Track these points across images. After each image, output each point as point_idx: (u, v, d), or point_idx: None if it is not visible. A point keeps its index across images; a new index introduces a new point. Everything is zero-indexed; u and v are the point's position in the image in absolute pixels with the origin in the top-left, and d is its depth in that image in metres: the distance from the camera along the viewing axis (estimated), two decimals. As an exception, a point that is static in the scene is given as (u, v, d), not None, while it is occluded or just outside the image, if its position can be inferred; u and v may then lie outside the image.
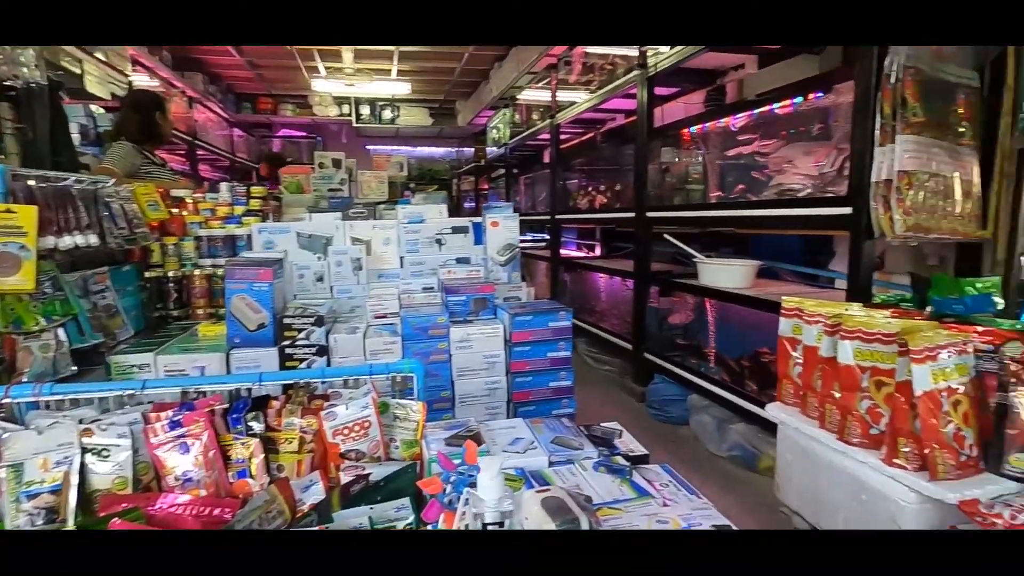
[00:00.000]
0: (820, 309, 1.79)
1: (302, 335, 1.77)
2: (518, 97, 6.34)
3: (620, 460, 1.22)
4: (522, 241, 6.87)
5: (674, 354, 3.39)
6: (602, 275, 4.34)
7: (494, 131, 7.35)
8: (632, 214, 3.65)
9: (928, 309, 1.86)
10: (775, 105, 2.34)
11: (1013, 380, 1.41)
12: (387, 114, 9.85)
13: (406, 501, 1.10)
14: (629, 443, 1.37)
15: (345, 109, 9.57)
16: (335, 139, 10.66)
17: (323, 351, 1.79)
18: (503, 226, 2.24)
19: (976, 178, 1.99)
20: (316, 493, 1.20)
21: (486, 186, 8.92)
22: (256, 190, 2.58)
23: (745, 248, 3.68)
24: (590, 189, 4.37)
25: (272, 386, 1.48)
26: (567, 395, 1.83)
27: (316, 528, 1.05)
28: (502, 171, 7.91)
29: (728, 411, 2.82)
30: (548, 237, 5.59)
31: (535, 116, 6.03)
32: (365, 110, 9.67)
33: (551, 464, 1.22)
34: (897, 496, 1.47)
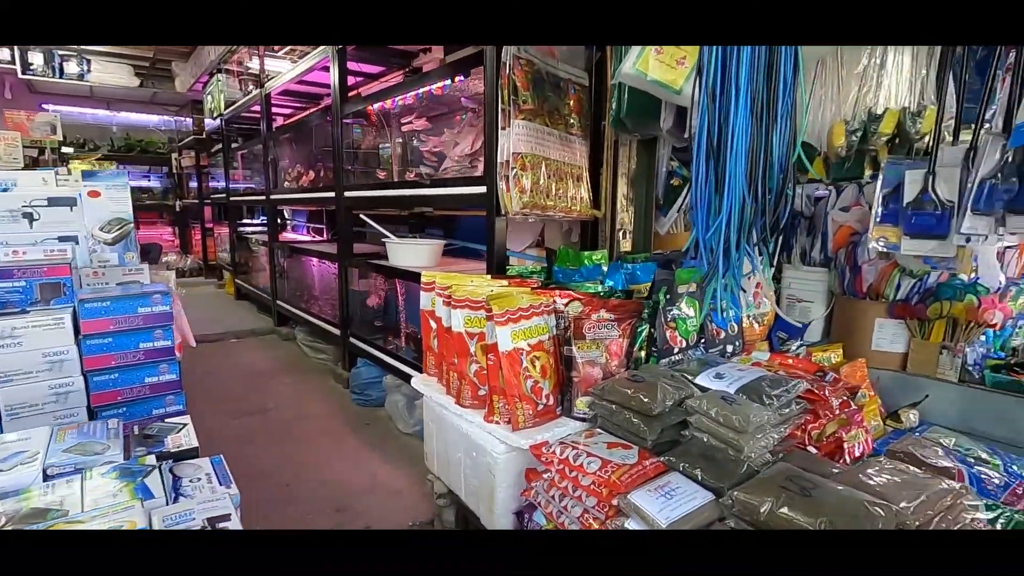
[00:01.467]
0: (447, 282, 1.88)
1: None
2: (228, 63, 5.65)
3: (150, 460, 1.06)
4: (248, 225, 6.12)
5: (374, 337, 3.35)
6: (316, 260, 4.11)
7: (209, 99, 6.46)
8: (332, 194, 3.49)
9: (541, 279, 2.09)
10: (433, 86, 2.41)
11: (575, 335, 1.64)
12: (72, 67, 7.95)
13: None
14: (183, 439, 1.21)
15: (4, 55, 7.45)
16: (-7, 93, 8.27)
17: None
18: (107, 196, 1.88)
19: (586, 163, 2.30)
20: None
21: (206, 162, 7.84)
22: None
23: (452, 229, 3.82)
24: (299, 168, 4.09)
25: None
26: (173, 391, 1.59)
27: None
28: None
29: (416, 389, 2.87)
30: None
31: (251, 86, 5.44)
32: (36, 58, 7.65)
33: (47, 477, 1.00)
34: (492, 449, 1.61)
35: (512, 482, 1.58)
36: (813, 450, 1.68)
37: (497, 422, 1.61)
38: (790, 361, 1.98)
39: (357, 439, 2.80)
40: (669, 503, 1.23)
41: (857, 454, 1.84)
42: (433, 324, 1.97)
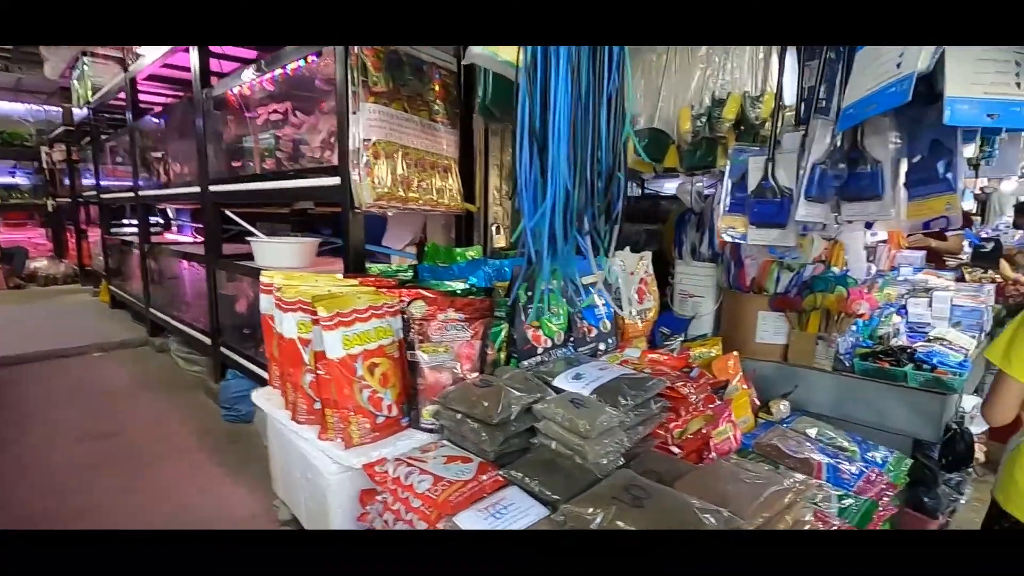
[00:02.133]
0: (285, 282, 1.67)
1: None
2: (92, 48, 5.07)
3: None
4: (127, 226, 5.51)
5: (244, 345, 3.05)
6: (186, 263, 3.72)
7: (76, 85, 5.80)
8: (198, 188, 3.16)
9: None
10: (288, 66, 2.19)
11: (419, 338, 1.48)
12: (-91, 47, 6.94)
13: None
14: None
15: None
16: None
17: None
18: None
19: (455, 154, 2.16)
20: None
21: (77, 157, 7.06)
22: None
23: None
24: (169, 161, 3.69)
25: None
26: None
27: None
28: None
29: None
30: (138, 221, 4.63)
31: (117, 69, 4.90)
32: None
33: None
34: (324, 469, 1.42)
35: (347, 506, 1.40)
36: (676, 450, 1.62)
37: (332, 439, 1.43)
38: (662, 358, 1.93)
39: (216, 460, 2.51)
40: (498, 523, 1.10)
41: (725, 450, 1.81)
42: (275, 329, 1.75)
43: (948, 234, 4.30)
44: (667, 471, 1.39)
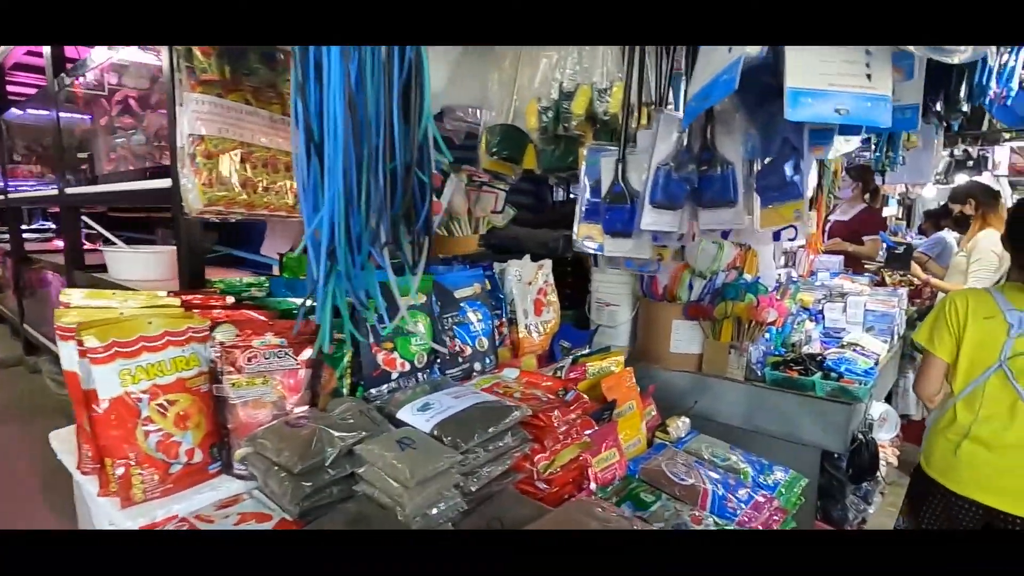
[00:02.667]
0: (86, 302, 1.40)
1: None
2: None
3: None
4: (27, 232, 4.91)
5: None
6: (52, 272, 3.34)
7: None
8: (55, 190, 2.81)
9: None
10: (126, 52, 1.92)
11: (228, 368, 1.25)
12: None
13: None
14: None
15: None
16: None
17: None
18: None
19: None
20: None
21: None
22: None
23: (235, 233, 3.27)
24: (34, 159, 3.31)
25: None
26: None
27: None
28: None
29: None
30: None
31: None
32: None
33: None
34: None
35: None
36: (544, 485, 1.45)
37: (111, 494, 1.18)
38: (539, 379, 1.76)
39: (53, 501, 2.19)
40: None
41: (609, 478, 1.65)
42: (80, 358, 1.48)
43: (865, 239, 4.33)
44: (515, 517, 1.21)
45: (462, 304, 1.71)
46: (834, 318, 3.49)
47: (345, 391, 1.44)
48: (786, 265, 3.82)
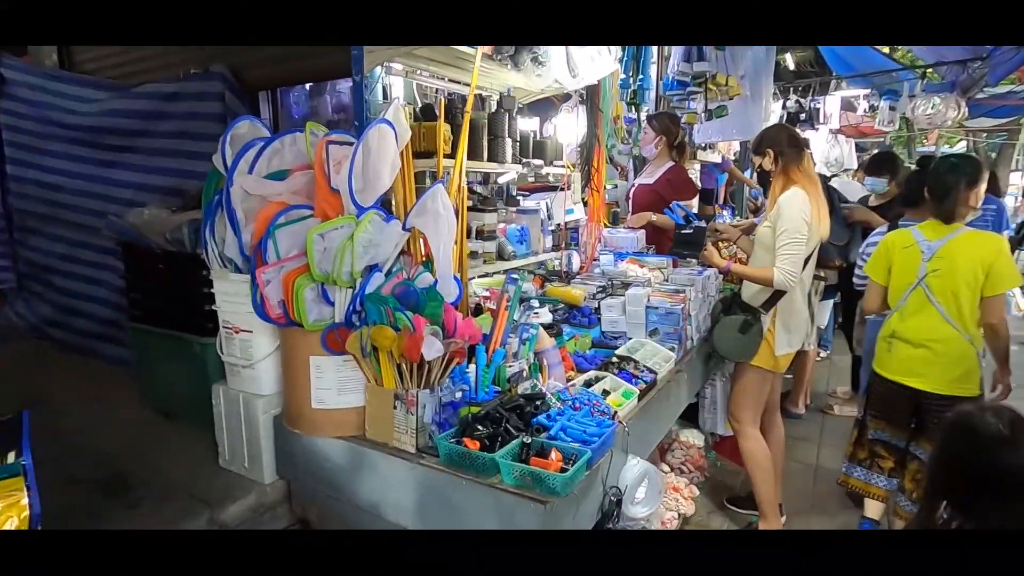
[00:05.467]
0: None
1: None
2: None
3: None
4: None
5: None
6: None
7: None
8: None
9: None
10: None
11: None
12: None
13: None
14: None
15: None
16: None
17: None
18: None
19: None
20: None
21: None
22: None
23: None
24: None
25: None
26: None
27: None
28: None
29: None
30: None
31: None
32: None
33: None
34: None
35: None
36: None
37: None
38: None
39: None
40: None
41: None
42: None
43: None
44: None
45: None
46: (612, 319, 2.58)
47: None
48: (559, 248, 2.87)
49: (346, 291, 1.68)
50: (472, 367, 1.79)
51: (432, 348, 1.48)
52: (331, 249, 1.55)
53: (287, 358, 1.81)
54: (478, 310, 2.11)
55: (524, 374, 1.83)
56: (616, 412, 1.80)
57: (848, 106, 6.02)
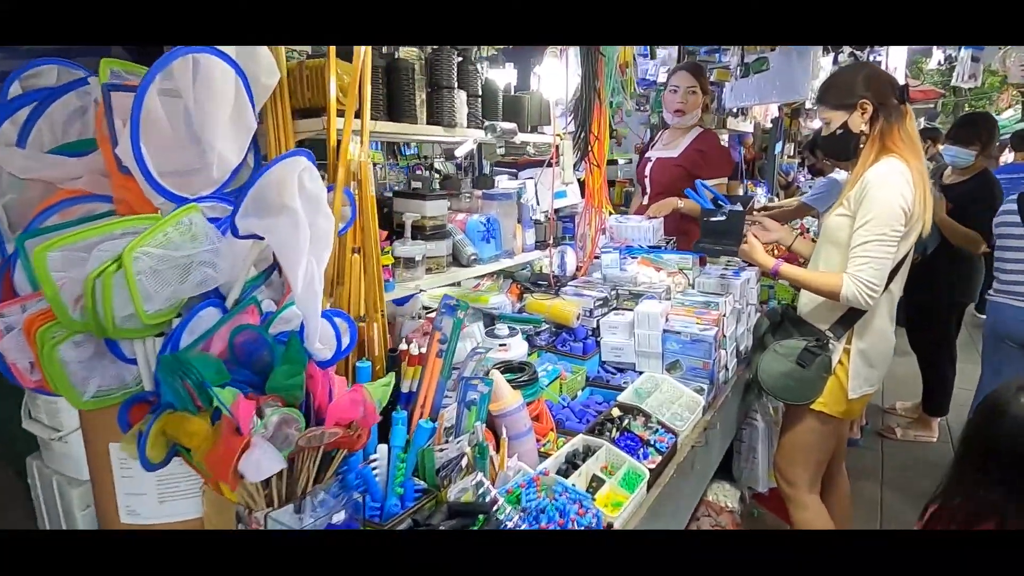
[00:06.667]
0: None
1: None
2: None
3: None
4: None
5: None
6: None
7: None
8: None
9: None
10: None
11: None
12: None
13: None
14: None
15: None
16: None
17: None
18: None
19: None
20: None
21: None
22: None
23: None
24: None
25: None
26: None
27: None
28: None
29: None
30: None
31: None
32: None
33: None
34: None
35: None
36: None
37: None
38: None
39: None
40: None
41: None
42: None
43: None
44: None
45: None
46: (615, 345, 1.85)
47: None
48: (545, 245, 2.14)
49: (153, 341, 1.00)
50: (380, 455, 1.11)
51: (260, 464, 0.80)
52: (79, 279, 0.86)
53: (86, 443, 1.15)
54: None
55: (464, 462, 1.14)
56: (611, 524, 1.10)
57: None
